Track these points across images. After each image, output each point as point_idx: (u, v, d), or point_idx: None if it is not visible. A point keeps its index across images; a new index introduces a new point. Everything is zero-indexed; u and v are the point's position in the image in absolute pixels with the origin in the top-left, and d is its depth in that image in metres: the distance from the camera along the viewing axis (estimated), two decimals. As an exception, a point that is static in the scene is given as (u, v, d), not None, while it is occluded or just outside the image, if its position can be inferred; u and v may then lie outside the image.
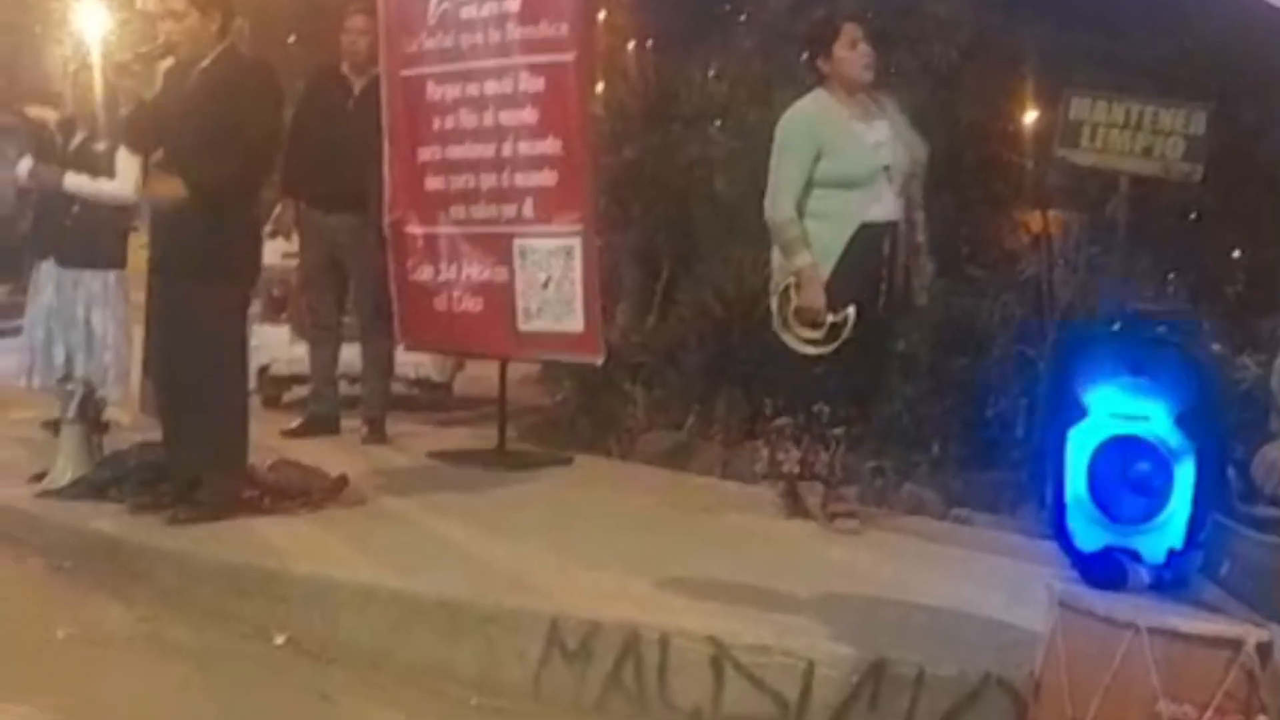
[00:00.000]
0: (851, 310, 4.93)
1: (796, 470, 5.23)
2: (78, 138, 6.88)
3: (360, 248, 6.86)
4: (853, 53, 5.10)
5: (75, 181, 6.72)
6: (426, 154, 6.55)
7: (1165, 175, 6.59)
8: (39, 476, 5.67)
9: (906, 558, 4.77)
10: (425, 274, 6.61)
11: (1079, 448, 2.91)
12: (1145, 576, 2.86)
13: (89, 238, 6.79)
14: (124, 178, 6.68)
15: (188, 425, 5.12)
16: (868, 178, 5.03)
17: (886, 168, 5.03)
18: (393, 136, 6.61)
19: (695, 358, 7.28)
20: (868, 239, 5.02)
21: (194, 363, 5.06)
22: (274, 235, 8.25)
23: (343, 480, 5.53)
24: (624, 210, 8.16)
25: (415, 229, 6.61)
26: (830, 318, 4.95)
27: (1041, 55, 7.46)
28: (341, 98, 6.95)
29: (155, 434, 5.44)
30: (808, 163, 5.06)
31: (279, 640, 4.23)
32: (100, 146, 6.75)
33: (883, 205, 5.04)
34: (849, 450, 5.20)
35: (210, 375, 5.07)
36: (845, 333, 4.93)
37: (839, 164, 5.04)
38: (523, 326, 6.28)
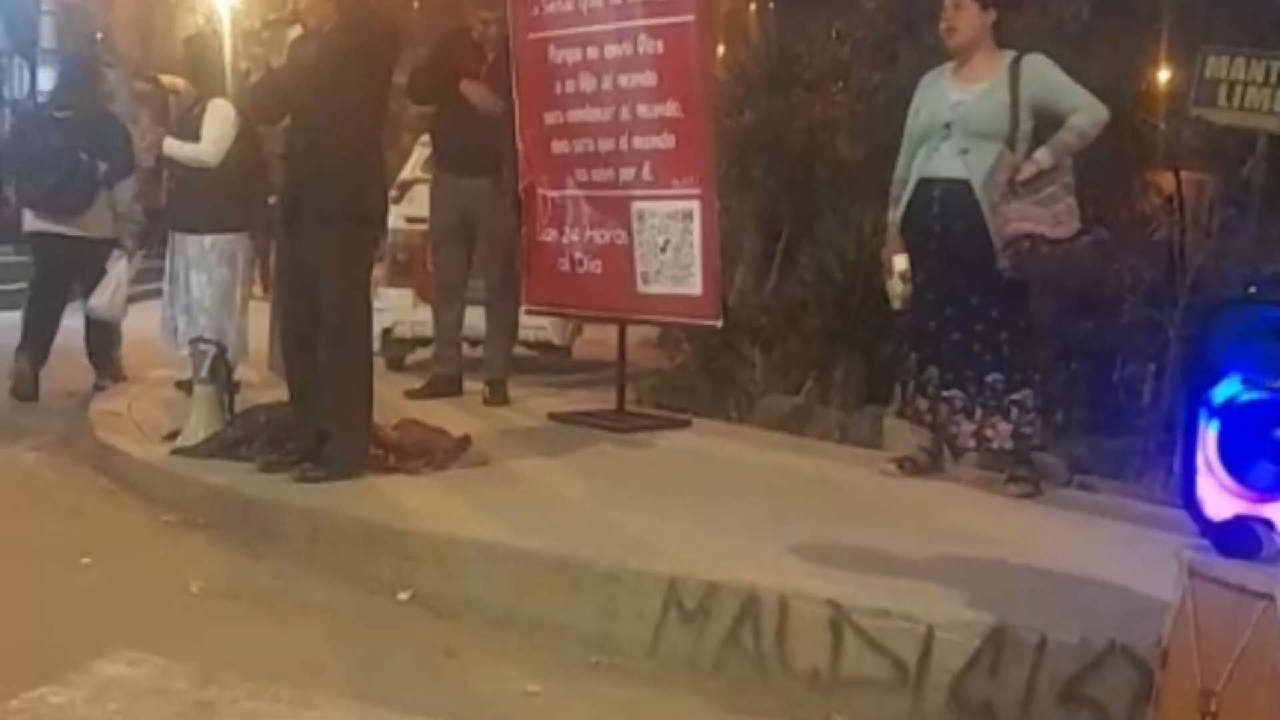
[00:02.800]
0: (898, 261, 5.23)
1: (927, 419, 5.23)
2: (187, 104, 7.04)
3: (492, 211, 6.93)
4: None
5: (170, 146, 6.87)
6: (551, 118, 6.59)
7: (1306, 135, 6.38)
8: (172, 435, 5.83)
9: (1029, 522, 4.72)
10: (551, 236, 6.67)
11: (1211, 413, 2.82)
12: (1280, 546, 2.78)
13: (188, 202, 6.93)
14: (206, 141, 6.78)
15: (314, 382, 5.22)
16: (930, 134, 5.17)
17: (947, 125, 5.09)
18: (523, 100, 6.66)
19: (814, 322, 7.25)
20: (922, 194, 5.19)
21: (321, 312, 5.16)
22: (398, 200, 8.40)
23: (466, 440, 5.60)
24: (744, 173, 8.14)
25: (546, 191, 6.67)
26: (896, 272, 5.26)
27: (1177, 11, 7.25)
28: (474, 62, 7.00)
29: (284, 394, 5.56)
30: (911, 121, 5.30)
31: (403, 597, 4.31)
32: (196, 111, 6.88)
33: (938, 161, 5.14)
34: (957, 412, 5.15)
35: (336, 326, 5.16)
36: (905, 287, 5.22)
37: (917, 121, 5.26)
38: (641, 289, 6.31)
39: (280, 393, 5.67)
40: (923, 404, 5.25)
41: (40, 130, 7.62)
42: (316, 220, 5.16)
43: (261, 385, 6.78)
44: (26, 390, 7.48)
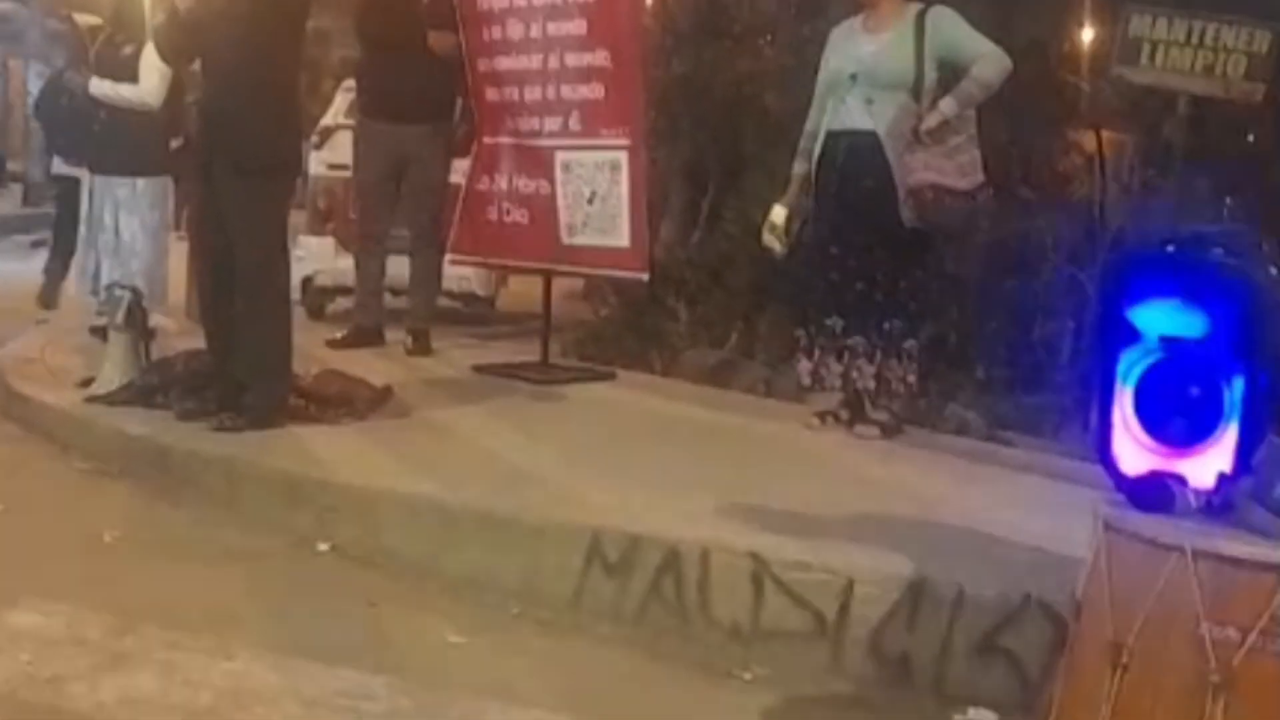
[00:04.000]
0: (775, 210, 5.40)
1: (837, 384, 5.27)
2: (116, 44, 6.88)
3: (427, 159, 6.85)
4: None
5: (99, 87, 6.75)
6: (482, 65, 6.52)
7: (1226, 94, 6.45)
8: (87, 382, 5.73)
9: (949, 477, 4.77)
10: (484, 184, 6.62)
11: (1127, 370, 2.85)
12: (1193, 500, 2.81)
13: (115, 144, 6.80)
14: (146, 82, 6.66)
15: (231, 330, 5.15)
16: (836, 85, 5.21)
17: (853, 76, 5.13)
18: (466, 45, 6.59)
19: (740, 275, 7.24)
20: (830, 147, 5.22)
21: (237, 262, 5.08)
22: (319, 146, 8.27)
23: (388, 391, 5.55)
24: (672, 125, 8.09)
25: (485, 138, 6.65)
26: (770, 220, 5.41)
27: (1102, -31, 7.30)
28: (408, 5, 6.88)
29: (202, 341, 5.47)
30: (822, 74, 5.32)
31: (323, 547, 4.28)
32: (127, 51, 6.74)
33: (844, 114, 5.17)
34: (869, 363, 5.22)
35: (252, 275, 5.09)
36: (774, 237, 5.40)
37: (824, 73, 5.29)
38: (567, 240, 6.27)
39: (198, 340, 5.58)
40: (835, 367, 5.27)
41: (63, 94, 8.36)
42: (230, 169, 5.06)
43: (179, 332, 6.67)
44: (50, 298, 8.80)
